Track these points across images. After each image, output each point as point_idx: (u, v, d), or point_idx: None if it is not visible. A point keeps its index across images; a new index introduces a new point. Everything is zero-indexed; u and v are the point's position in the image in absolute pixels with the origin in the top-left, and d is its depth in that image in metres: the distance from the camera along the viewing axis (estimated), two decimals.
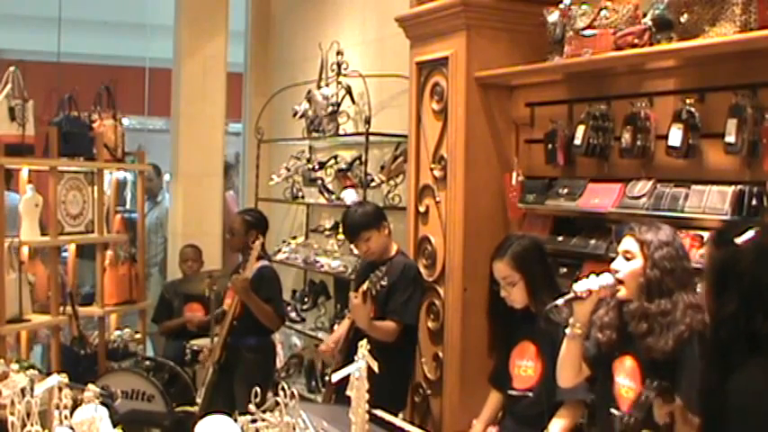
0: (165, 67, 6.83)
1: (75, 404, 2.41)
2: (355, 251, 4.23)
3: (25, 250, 4.50)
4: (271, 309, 4.28)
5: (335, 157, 5.49)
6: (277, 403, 2.22)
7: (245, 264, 4.28)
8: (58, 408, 2.35)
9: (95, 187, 4.91)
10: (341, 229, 4.23)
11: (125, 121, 5.40)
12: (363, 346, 2.34)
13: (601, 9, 3.27)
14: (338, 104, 5.29)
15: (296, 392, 2.22)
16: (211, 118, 6.27)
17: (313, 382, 5.37)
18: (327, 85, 5.41)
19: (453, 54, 3.76)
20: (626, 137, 3.16)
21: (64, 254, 5.07)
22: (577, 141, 3.36)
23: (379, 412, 2.95)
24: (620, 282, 2.55)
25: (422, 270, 3.90)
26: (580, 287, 2.58)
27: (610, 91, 3.37)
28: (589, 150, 3.34)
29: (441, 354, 3.88)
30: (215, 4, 6.25)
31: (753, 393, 1.90)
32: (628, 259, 2.56)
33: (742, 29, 2.70)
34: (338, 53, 5.29)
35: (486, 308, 3.21)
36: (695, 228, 2.92)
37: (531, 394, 3.01)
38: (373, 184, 4.85)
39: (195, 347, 4.74)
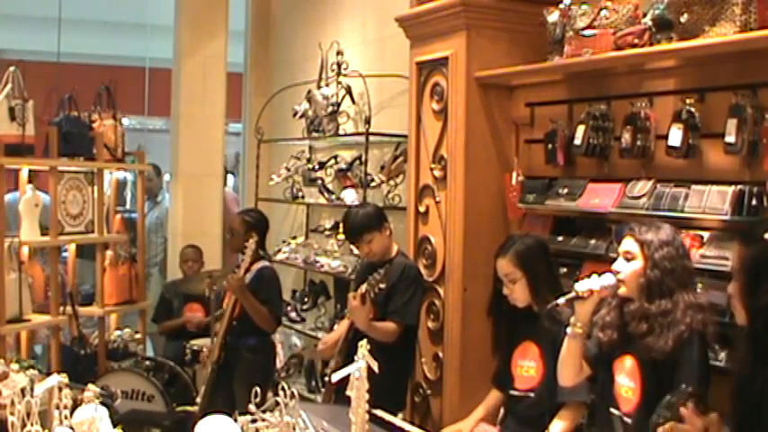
0: (165, 67, 6.83)
1: (75, 404, 2.41)
2: (355, 251, 4.23)
3: (25, 250, 4.50)
4: (266, 310, 4.28)
5: (335, 157, 5.49)
6: (277, 403, 2.22)
7: (242, 263, 4.29)
8: (58, 408, 2.35)
9: (95, 187, 4.91)
10: (342, 230, 4.22)
11: (125, 121, 5.40)
12: (363, 346, 2.34)
13: (601, 9, 3.27)
14: (338, 104, 5.29)
15: (296, 392, 2.22)
16: (211, 118, 6.27)
17: (313, 382, 5.37)
18: (327, 85, 5.41)
19: (453, 54, 3.75)
20: (626, 137, 3.16)
21: (64, 254, 5.07)
22: (577, 141, 3.36)
23: (379, 412, 2.95)
24: (620, 282, 2.55)
25: (422, 270, 3.89)
26: (582, 287, 2.58)
27: (610, 91, 3.36)
28: (589, 150, 3.33)
29: (441, 354, 3.88)
30: (215, 4, 6.25)
31: None
32: (628, 260, 2.56)
33: (742, 29, 2.70)
34: (338, 53, 5.29)
35: (488, 307, 3.21)
36: (695, 228, 2.92)
37: (532, 395, 3.01)
38: (373, 184, 4.85)
39: (195, 347, 4.75)
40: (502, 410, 3.20)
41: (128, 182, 7.29)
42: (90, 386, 2.48)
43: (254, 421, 2.28)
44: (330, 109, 5.28)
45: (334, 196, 5.28)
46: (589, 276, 2.62)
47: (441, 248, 3.88)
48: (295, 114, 5.62)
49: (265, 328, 4.37)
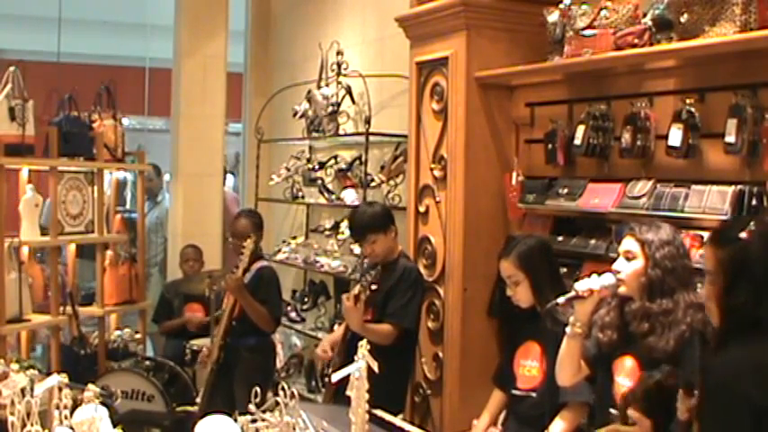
0: (165, 67, 6.83)
1: (75, 404, 2.41)
2: (356, 251, 4.23)
3: (25, 250, 4.50)
4: (265, 310, 4.28)
5: (335, 157, 5.49)
6: (277, 403, 2.23)
7: (240, 263, 4.28)
8: (58, 408, 2.35)
9: (95, 187, 4.91)
10: (347, 228, 4.21)
11: (125, 121, 5.40)
12: (363, 347, 2.34)
13: (601, 9, 3.27)
14: (338, 104, 5.29)
15: (296, 392, 2.22)
16: (211, 118, 6.27)
17: (313, 382, 5.37)
18: (327, 85, 5.41)
19: (453, 54, 3.76)
20: (626, 137, 3.16)
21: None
22: (577, 141, 3.36)
23: (379, 412, 2.95)
24: (621, 281, 2.55)
25: (422, 270, 3.89)
26: (581, 286, 2.58)
27: (610, 91, 3.37)
28: (589, 150, 3.34)
29: (441, 354, 3.88)
30: (215, 4, 6.25)
31: (731, 367, 1.94)
32: (629, 259, 2.56)
33: (742, 29, 2.70)
34: (338, 53, 5.29)
35: (488, 307, 3.21)
36: (695, 228, 2.92)
37: (534, 394, 3.01)
38: (373, 184, 4.85)
39: (195, 347, 4.74)
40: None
41: (128, 182, 7.29)
42: (90, 386, 2.48)
43: (254, 421, 2.28)
44: (330, 109, 5.28)
45: (334, 196, 5.28)
46: (589, 276, 2.62)
47: (441, 248, 3.88)
48: (295, 114, 5.62)
49: (264, 327, 4.36)
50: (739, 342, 1.99)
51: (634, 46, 3.07)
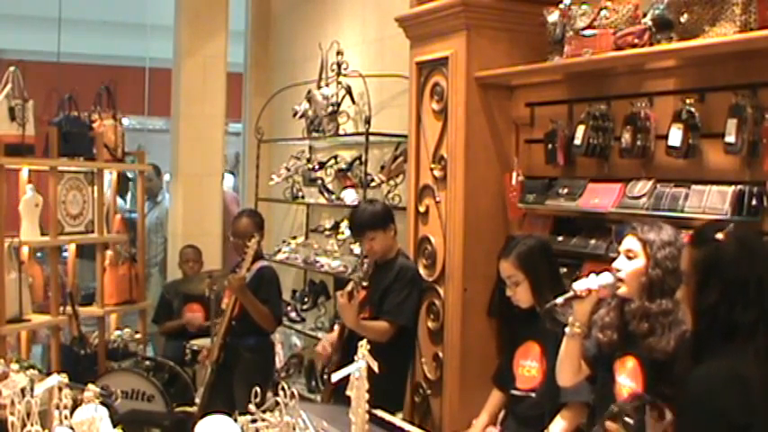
0: (165, 67, 6.84)
1: (75, 404, 2.41)
2: (356, 251, 4.23)
3: (25, 250, 4.50)
4: (267, 309, 4.28)
5: (335, 157, 5.50)
6: (277, 403, 2.22)
7: (242, 263, 4.29)
8: (58, 408, 2.35)
9: (95, 187, 4.91)
10: (347, 225, 4.22)
11: (125, 121, 5.40)
12: (363, 346, 2.34)
13: (601, 9, 3.27)
14: (338, 104, 5.29)
15: (296, 392, 2.22)
16: (211, 118, 6.27)
17: (313, 382, 5.37)
18: (327, 85, 5.41)
19: (453, 54, 3.75)
20: (626, 137, 3.16)
21: (64, 254, 5.06)
22: (577, 141, 3.36)
23: (379, 412, 2.95)
24: (620, 281, 2.55)
25: (422, 270, 3.90)
26: (580, 286, 2.58)
27: (610, 91, 3.36)
28: (589, 150, 3.33)
29: (441, 354, 3.88)
30: (215, 4, 6.26)
31: (708, 382, 1.95)
32: (630, 258, 2.56)
33: (742, 29, 2.70)
34: (338, 53, 5.29)
35: (488, 307, 3.21)
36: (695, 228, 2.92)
37: (534, 395, 3.01)
38: (373, 184, 4.85)
39: (195, 347, 4.75)
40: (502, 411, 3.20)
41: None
42: (90, 386, 2.48)
43: (254, 421, 2.28)
44: (330, 109, 5.28)
45: (334, 196, 5.28)
46: (588, 276, 2.62)
47: (441, 248, 3.88)
48: (295, 114, 5.62)
49: (266, 327, 4.37)
50: (716, 353, 1.99)
51: (634, 46, 3.07)
